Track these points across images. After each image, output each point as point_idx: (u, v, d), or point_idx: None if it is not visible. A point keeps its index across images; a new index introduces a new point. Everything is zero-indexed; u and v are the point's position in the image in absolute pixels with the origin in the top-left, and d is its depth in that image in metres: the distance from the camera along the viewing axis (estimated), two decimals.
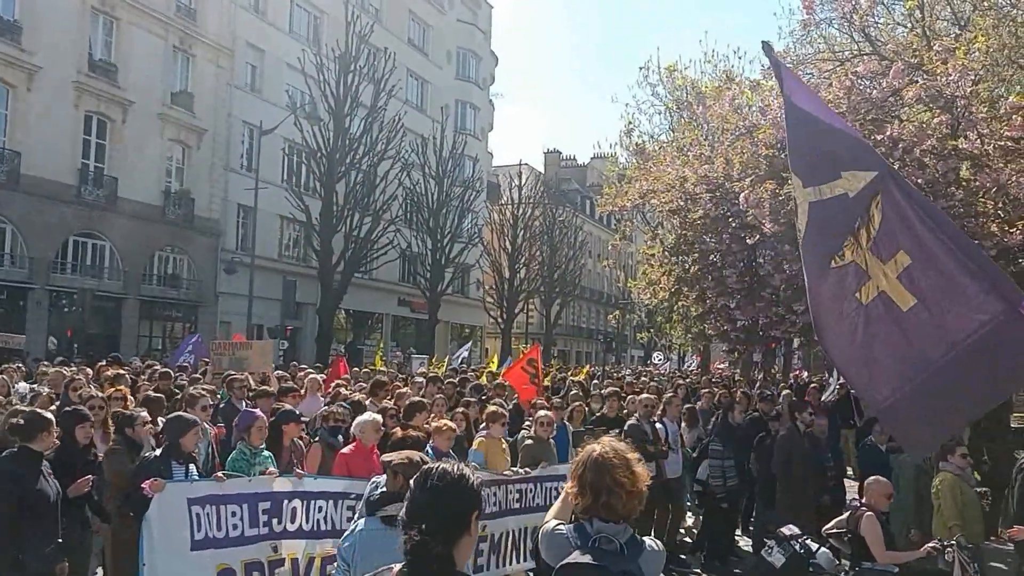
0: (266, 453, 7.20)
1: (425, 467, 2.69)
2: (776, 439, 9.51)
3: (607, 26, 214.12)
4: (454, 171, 42.48)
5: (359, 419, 7.59)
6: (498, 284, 48.07)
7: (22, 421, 6.00)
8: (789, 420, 9.58)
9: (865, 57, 12.75)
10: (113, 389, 9.27)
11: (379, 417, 7.72)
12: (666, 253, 14.73)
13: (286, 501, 6.53)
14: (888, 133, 10.64)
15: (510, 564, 8.01)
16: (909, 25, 13.85)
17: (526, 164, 53.66)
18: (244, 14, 36.26)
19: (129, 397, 9.20)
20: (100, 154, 30.03)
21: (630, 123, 23.70)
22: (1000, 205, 10.48)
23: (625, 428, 9.64)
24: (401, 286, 45.26)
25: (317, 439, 8.23)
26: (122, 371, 12.24)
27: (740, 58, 40.77)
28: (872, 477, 7.09)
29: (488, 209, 50.59)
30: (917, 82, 10.75)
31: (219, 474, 6.60)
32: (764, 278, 11.81)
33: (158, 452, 6.62)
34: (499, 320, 47.97)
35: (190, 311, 33.54)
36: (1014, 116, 10.16)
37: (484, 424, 8.58)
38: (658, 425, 10.10)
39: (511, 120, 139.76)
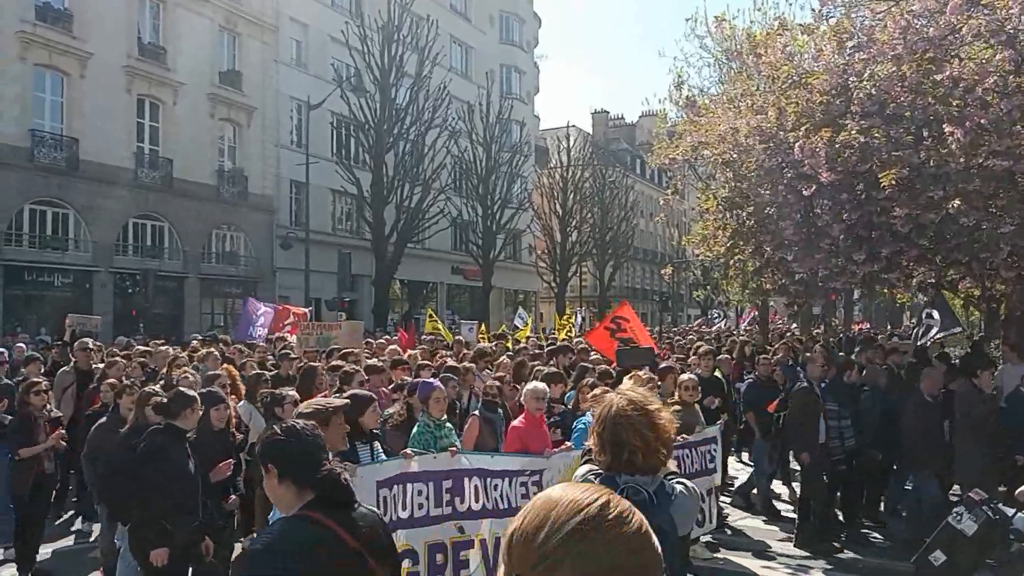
0: (448, 426, 6.96)
1: None
2: (956, 395, 9.05)
3: None
4: (501, 136, 42.33)
5: (527, 388, 7.29)
6: (550, 248, 47.95)
7: (167, 400, 6.15)
8: (967, 377, 9.10)
9: None
10: (224, 368, 9.38)
11: (544, 386, 7.35)
12: (720, 207, 14.49)
13: (467, 479, 6.29)
14: (948, 73, 10.28)
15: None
16: None
17: (574, 126, 53.19)
18: None
19: (236, 375, 9.28)
20: (154, 137, 30.60)
21: (679, 76, 23.21)
22: None
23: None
24: (454, 254, 45.47)
25: (475, 413, 7.93)
26: (213, 350, 12.29)
27: (791, 3, 39.50)
28: None
29: (537, 173, 50.34)
30: (976, 18, 10.35)
31: (408, 451, 6.26)
32: (822, 229, 11.54)
33: None
34: (552, 284, 47.91)
35: (249, 287, 34.15)
36: None
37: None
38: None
39: (557, 82, 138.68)
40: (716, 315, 45.78)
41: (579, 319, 27.12)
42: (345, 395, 6.55)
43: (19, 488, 8.01)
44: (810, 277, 13.26)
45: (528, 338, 20.44)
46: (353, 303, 37.23)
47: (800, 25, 14.35)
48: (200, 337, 17.47)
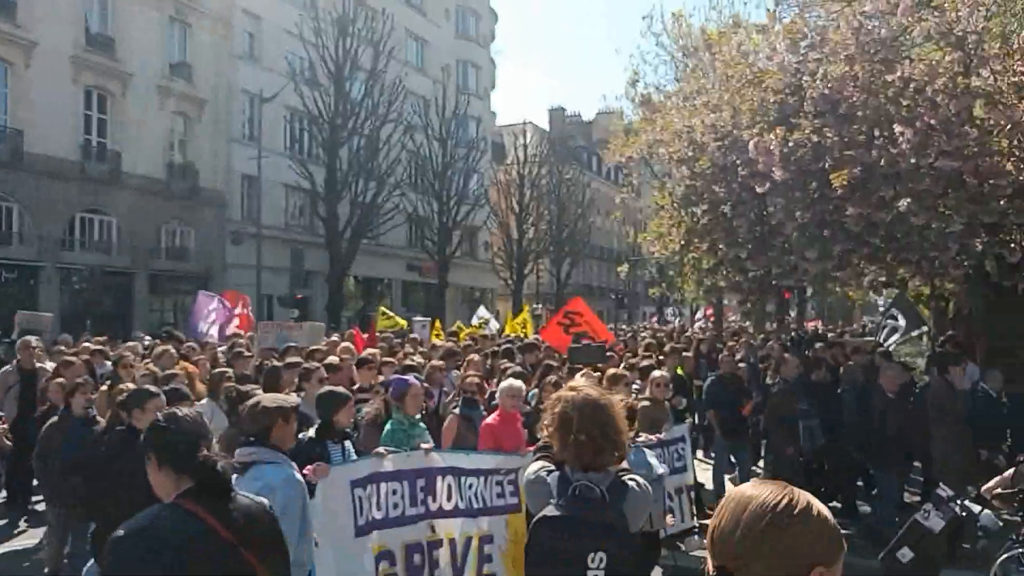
0: (422, 425, 6.83)
1: None
2: (928, 391, 9.09)
3: None
4: (457, 132, 42.14)
5: (503, 385, 7.14)
6: (507, 245, 47.88)
7: (125, 396, 5.98)
8: (939, 373, 9.15)
9: None
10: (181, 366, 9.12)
11: (521, 383, 7.23)
12: (675, 204, 14.55)
13: (440, 478, 6.13)
14: (899, 73, 10.42)
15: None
16: None
17: (530, 122, 53.19)
18: None
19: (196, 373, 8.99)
20: (102, 129, 29.90)
21: (635, 74, 23.31)
22: (1015, 143, 10.26)
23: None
24: (409, 251, 45.18)
25: (455, 411, 7.76)
26: (169, 347, 11.88)
27: (746, 3, 39.96)
28: None
29: (494, 169, 50.23)
30: (926, 20, 10.50)
31: (380, 449, 6.06)
32: (776, 227, 11.64)
33: (312, 433, 6.00)
34: (509, 281, 47.86)
35: (199, 283, 33.52)
36: None
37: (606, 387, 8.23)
38: None
39: (513, 78, 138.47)
40: (672, 313, 46.14)
41: (535, 316, 27.13)
42: (322, 392, 6.41)
43: None
44: (763, 275, 13.37)
45: (489, 336, 20.27)
46: (306, 299, 36.79)
47: (755, 24, 14.47)
48: (143, 336, 17.11)
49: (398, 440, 6.43)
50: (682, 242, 14.07)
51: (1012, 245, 10.73)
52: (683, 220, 14.00)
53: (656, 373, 8.65)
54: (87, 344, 13.72)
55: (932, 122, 10.02)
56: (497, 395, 7.24)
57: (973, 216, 10.18)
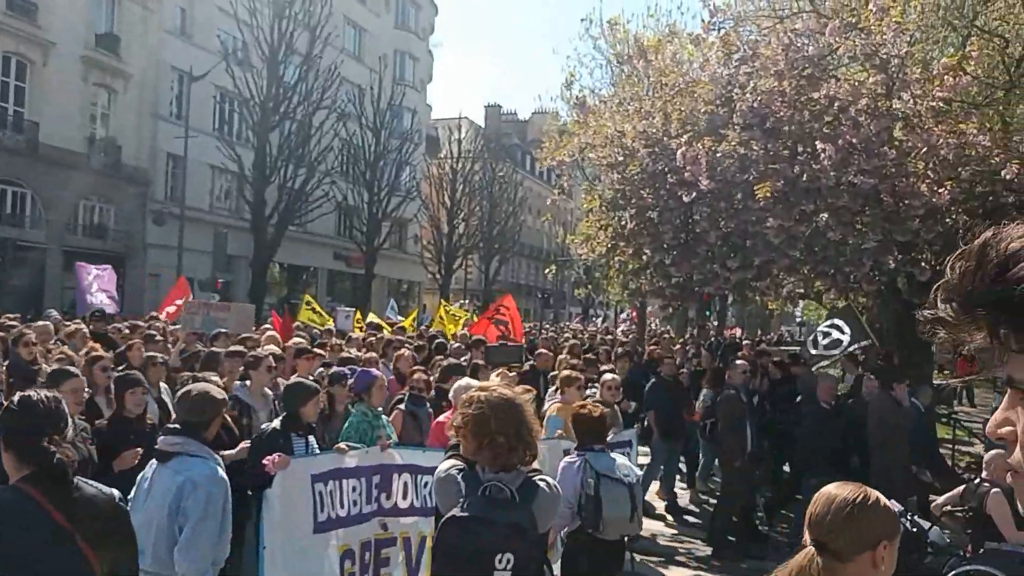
0: (385, 418, 6.66)
1: None
2: (871, 405, 9.12)
3: None
4: (392, 122, 41.75)
5: (458, 384, 6.86)
6: (436, 239, 47.72)
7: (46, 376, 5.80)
8: (882, 388, 9.19)
9: (804, 15, 12.76)
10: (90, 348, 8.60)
11: (476, 382, 6.87)
12: (603, 208, 14.67)
13: (396, 475, 5.98)
14: (824, 91, 10.69)
15: None
16: None
17: (466, 118, 53.14)
18: None
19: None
20: (20, 97, 28.75)
21: (571, 76, 23.43)
22: (930, 165, 10.63)
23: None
24: (337, 240, 44.61)
25: (400, 407, 7.58)
26: (81, 326, 11.40)
27: (683, 13, 40.64)
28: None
29: (427, 163, 49.97)
30: (852, 41, 10.80)
31: (342, 444, 5.90)
32: (700, 235, 11.83)
33: (277, 424, 5.90)
34: (437, 276, 47.69)
35: (117, 262, 32.46)
36: (946, 77, 10.29)
37: (558, 388, 8.02)
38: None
39: (451, 72, 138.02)
40: (596, 315, 46.61)
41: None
42: (291, 383, 6.27)
43: None
44: (686, 280, 13.57)
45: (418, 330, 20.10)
46: (228, 284, 36.00)
47: (689, 35, 14.68)
48: (53, 313, 16.45)
49: (362, 432, 6.28)
50: (609, 244, 14.18)
51: (923, 264, 11.11)
52: (610, 223, 14.12)
53: (608, 376, 8.67)
54: None
55: (853, 141, 10.31)
56: (451, 393, 7.02)
57: (887, 234, 10.52)
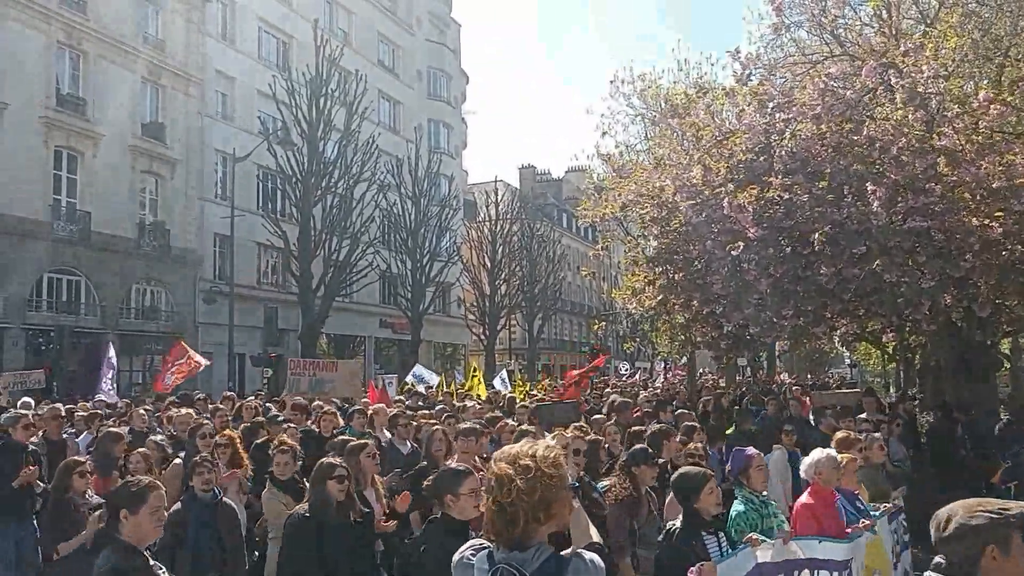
0: (772, 503, 5.91)
1: None
2: None
3: (576, 41, 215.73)
4: (430, 190, 42.42)
5: (816, 455, 6.01)
6: (479, 301, 47.92)
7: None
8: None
9: (836, 58, 12.83)
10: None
11: (836, 455, 6.19)
12: (648, 263, 14.69)
13: (796, 572, 5.20)
14: (864, 133, 10.69)
15: None
16: (876, 25, 13.97)
17: (501, 180, 53.70)
18: (212, 43, 36.12)
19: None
20: (72, 189, 29.70)
21: (604, 132, 23.63)
22: (979, 198, 10.52)
23: None
24: (382, 307, 45.01)
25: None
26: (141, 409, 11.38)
27: (712, 64, 40.74)
28: None
29: (466, 227, 50.52)
30: (890, 81, 10.82)
31: (753, 536, 5.06)
32: (750, 283, 11.74)
33: (678, 522, 5.11)
34: (482, 337, 47.79)
35: (171, 343, 33.13)
36: (991, 107, 10.23)
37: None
38: None
39: (484, 137, 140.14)
40: (628, 367, 46.39)
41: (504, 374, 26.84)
42: (682, 472, 5.41)
43: None
44: (738, 330, 13.46)
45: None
46: (279, 358, 36.44)
47: (722, 87, 14.79)
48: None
49: (752, 523, 5.57)
50: (658, 298, 14.16)
51: (980, 300, 10.92)
52: (657, 277, 14.12)
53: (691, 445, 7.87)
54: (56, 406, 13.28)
55: (898, 179, 10.26)
56: (805, 469, 6.12)
57: (942, 271, 10.38)
